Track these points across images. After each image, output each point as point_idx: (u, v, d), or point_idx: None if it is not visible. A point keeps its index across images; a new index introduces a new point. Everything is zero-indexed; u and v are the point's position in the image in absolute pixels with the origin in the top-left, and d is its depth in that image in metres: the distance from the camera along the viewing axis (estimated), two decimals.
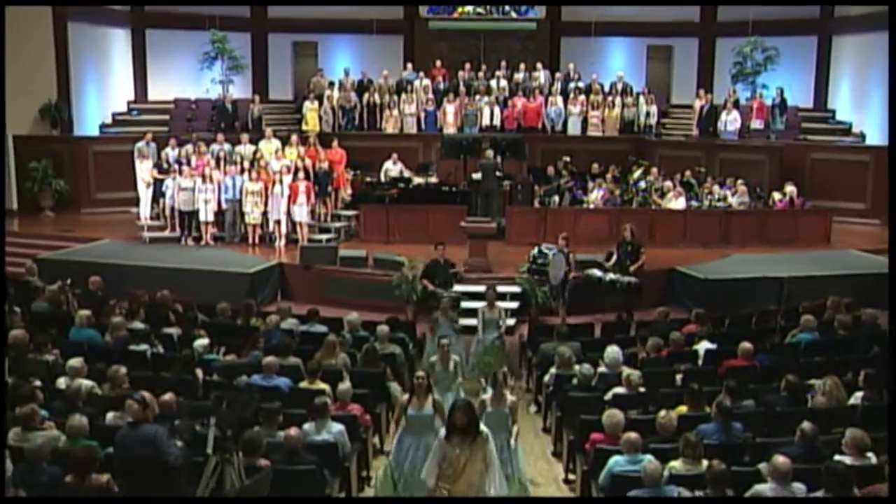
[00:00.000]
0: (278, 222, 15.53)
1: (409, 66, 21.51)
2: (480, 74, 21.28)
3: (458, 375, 9.27)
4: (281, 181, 15.50)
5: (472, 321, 11.41)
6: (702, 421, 7.47)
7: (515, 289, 13.11)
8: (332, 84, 20.83)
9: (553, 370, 9.39)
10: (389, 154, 17.83)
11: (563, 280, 12.67)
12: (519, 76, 21.18)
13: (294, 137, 17.15)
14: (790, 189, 16.72)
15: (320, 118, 19.84)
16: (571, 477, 8.27)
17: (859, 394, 8.05)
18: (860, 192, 18.00)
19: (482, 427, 6.57)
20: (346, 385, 8.38)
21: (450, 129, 19.75)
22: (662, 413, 7.29)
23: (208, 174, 15.72)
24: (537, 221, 15.91)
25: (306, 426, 7.37)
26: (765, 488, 6.11)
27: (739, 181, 16.82)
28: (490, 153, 16.58)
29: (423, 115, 20.15)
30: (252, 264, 14.24)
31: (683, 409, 7.87)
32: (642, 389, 8.42)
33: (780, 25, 20.57)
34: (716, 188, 16.86)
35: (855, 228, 17.16)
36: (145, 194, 16.25)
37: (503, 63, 21.37)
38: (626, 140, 19.86)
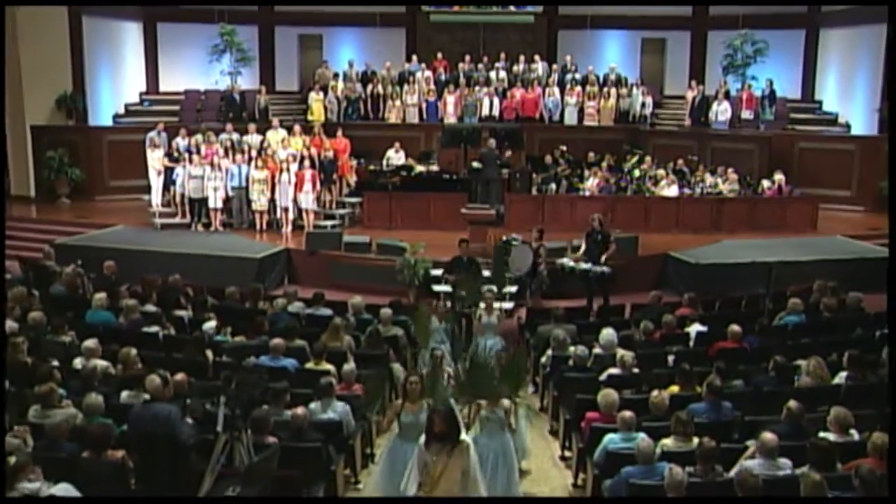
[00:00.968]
0: (286, 209, 15.64)
1: (414, 58, 21.57)
2: (480, 66, 21.30)
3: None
4: (288, 169, 15.60)
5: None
6: (693, 400, 7.57)
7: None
8: (336, 75, 20.91)
9: (549, 352, 9.46)
10: (392, 143, 18.07)
11: (530, 272, 12.63)
12: (518, 68, 21.24)
13: (297, 127, 17.32)
14: (779, 177, 16.88)
15: (325, 108, 19.92)
16: (568, 454, 8.42)
17: (843, 374, 8.16)
18: (846, 180, 18.13)
19: (463, 436, 6.05)
20: (350, 366, 8.50)
21: (450, 119, 19.89)
22: (655, 393, 7.41)
23: (217, 163, 15.88)
24: (535, 208, 16.17)
25: (312, 405, 7.46)
26: (753, 464, 6.22)
27: (730, 169, 17.01)
28: (492, 142, 16.73)
29: (424, 105, 20.24)
30: (260, 250, 14.36)
31: (675, 388, 7.98)
32: (636, 370, 8.52)
33: (770, 19, 20.70)
34: (707, 176, 17.07)
35: (841, 215, 17.31)
36: (157, 182, 16.48)
37: (502, 55, 21.42)
38: (621, 130, 19.98)
